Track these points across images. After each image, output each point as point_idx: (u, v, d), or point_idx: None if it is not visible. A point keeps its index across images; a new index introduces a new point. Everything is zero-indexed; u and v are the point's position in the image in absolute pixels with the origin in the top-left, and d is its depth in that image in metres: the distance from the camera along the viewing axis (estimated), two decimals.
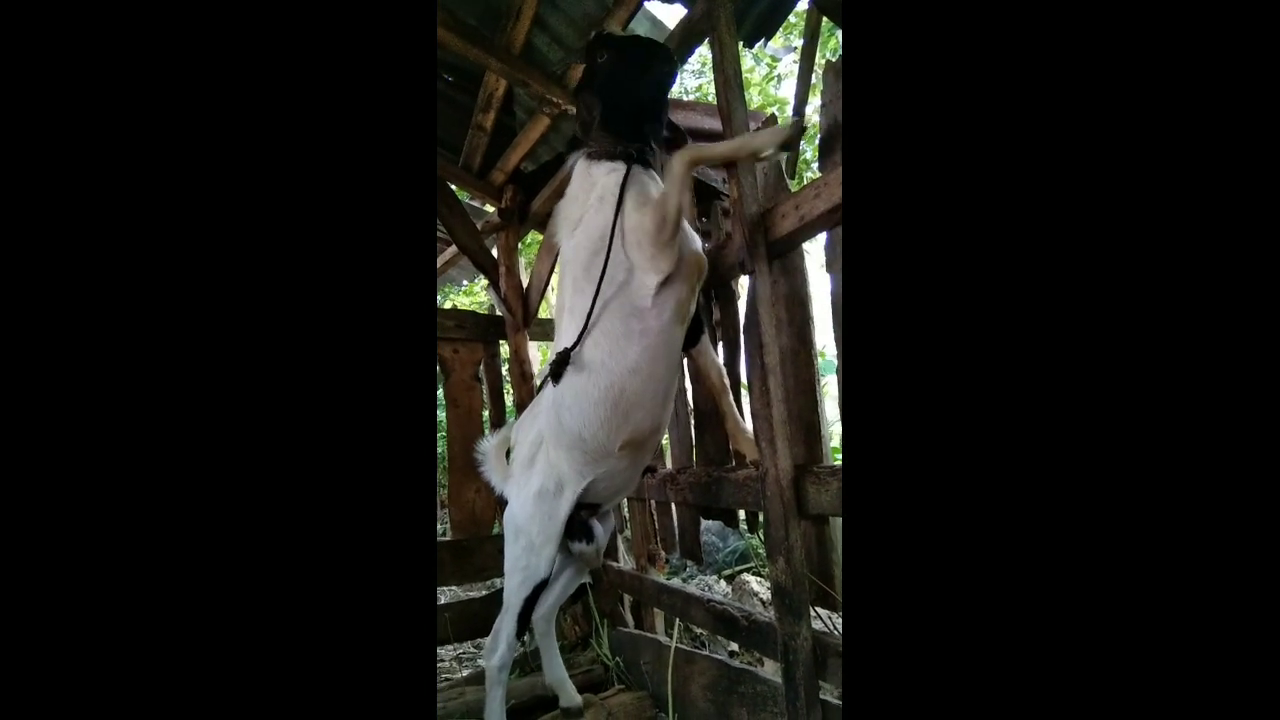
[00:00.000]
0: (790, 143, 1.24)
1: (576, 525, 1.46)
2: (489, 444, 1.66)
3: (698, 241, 1.37)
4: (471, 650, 2.79)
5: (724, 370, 1.55)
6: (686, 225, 1.36)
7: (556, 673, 1.75)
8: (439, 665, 2.56)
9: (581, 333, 1.28)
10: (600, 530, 1.54)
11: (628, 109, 1.35)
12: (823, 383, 1.44)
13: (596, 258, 1.26)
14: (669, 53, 1.38)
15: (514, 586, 1.46)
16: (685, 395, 1.85)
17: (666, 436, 1.89)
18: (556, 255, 1.47)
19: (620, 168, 1.30)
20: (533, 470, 1.46)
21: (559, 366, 1.32)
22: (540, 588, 1.46)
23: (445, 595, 3.30)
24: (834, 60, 1.32)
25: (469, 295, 6.03)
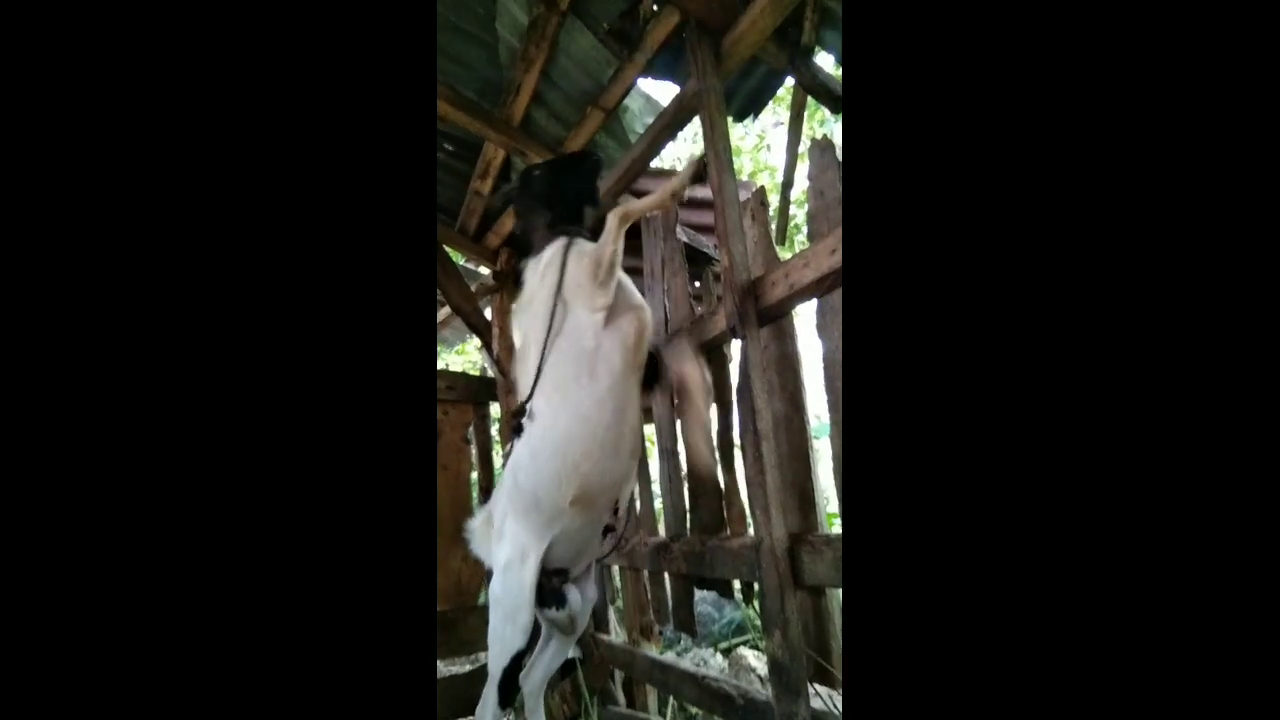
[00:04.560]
0: (692, 178, 1.40)
1: (548, 593, 1.48)
2: (475, 521, 1.69)
3: (639, 296, 1.46)
4: None
5: (706, 371, 1.55)
6: (628, 282, 1.45)
7: None
8: None
9: (534, 383, 1.36)
10: (575, 596, 1.53)
11: (569, 199, 1.54)
12: (815, 447, 1.42)
13: (545, 316, 1.36)
14: (590, 152, 1.68)
15: (495, 655, 1.49)
16: (678, 460, 1.82)
17: (659, 503, 1.85)
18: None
19: (562, 240, 1.44)
20: (502, 543, 1.50)
21: (517, 418, 1.41)
22: (519, 658, 1.47)
23: None
24: (819, 135, 1.38)
25: (461, 354, 6.05)
